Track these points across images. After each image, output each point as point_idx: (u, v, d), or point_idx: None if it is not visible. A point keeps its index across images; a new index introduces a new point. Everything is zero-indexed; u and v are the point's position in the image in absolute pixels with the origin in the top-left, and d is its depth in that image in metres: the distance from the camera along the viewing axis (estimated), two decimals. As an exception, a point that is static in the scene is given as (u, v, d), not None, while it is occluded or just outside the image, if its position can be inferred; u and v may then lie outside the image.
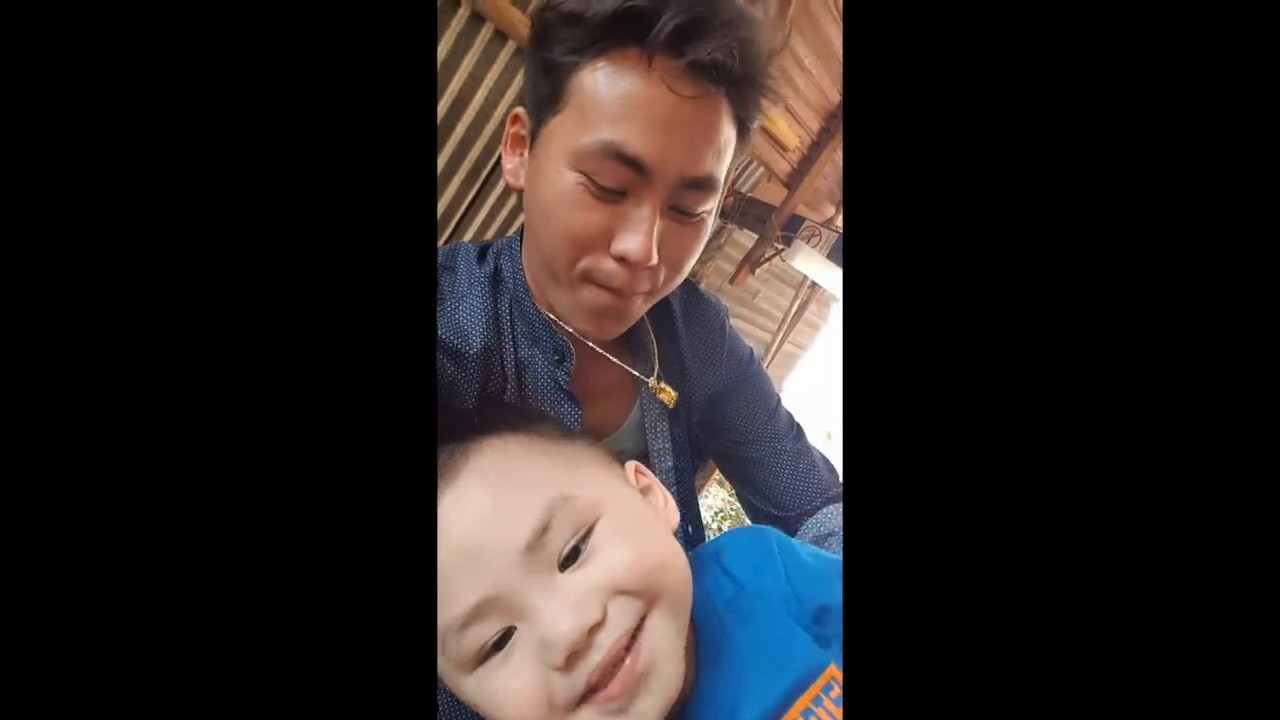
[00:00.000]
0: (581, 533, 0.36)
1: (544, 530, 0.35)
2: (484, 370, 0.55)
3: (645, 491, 0.45)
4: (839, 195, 3.41)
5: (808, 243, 2.62)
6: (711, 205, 0.51)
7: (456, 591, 0.35)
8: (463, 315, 0.56)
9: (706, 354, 0.69)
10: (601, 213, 0.47)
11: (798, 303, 3.53)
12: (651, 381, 0.63)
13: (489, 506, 0.36)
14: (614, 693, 0.33)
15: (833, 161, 3.03)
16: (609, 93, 0.45)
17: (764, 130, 2.64)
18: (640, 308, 0.54)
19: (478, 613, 0.35)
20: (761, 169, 2.93)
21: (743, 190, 2.93)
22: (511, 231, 0.74)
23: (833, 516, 0.70)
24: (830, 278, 2.65)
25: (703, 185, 0.49)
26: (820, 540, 0.68)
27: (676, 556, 0.40)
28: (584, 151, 0.46)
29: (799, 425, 0.75)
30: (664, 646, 0.35)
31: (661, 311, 0.67)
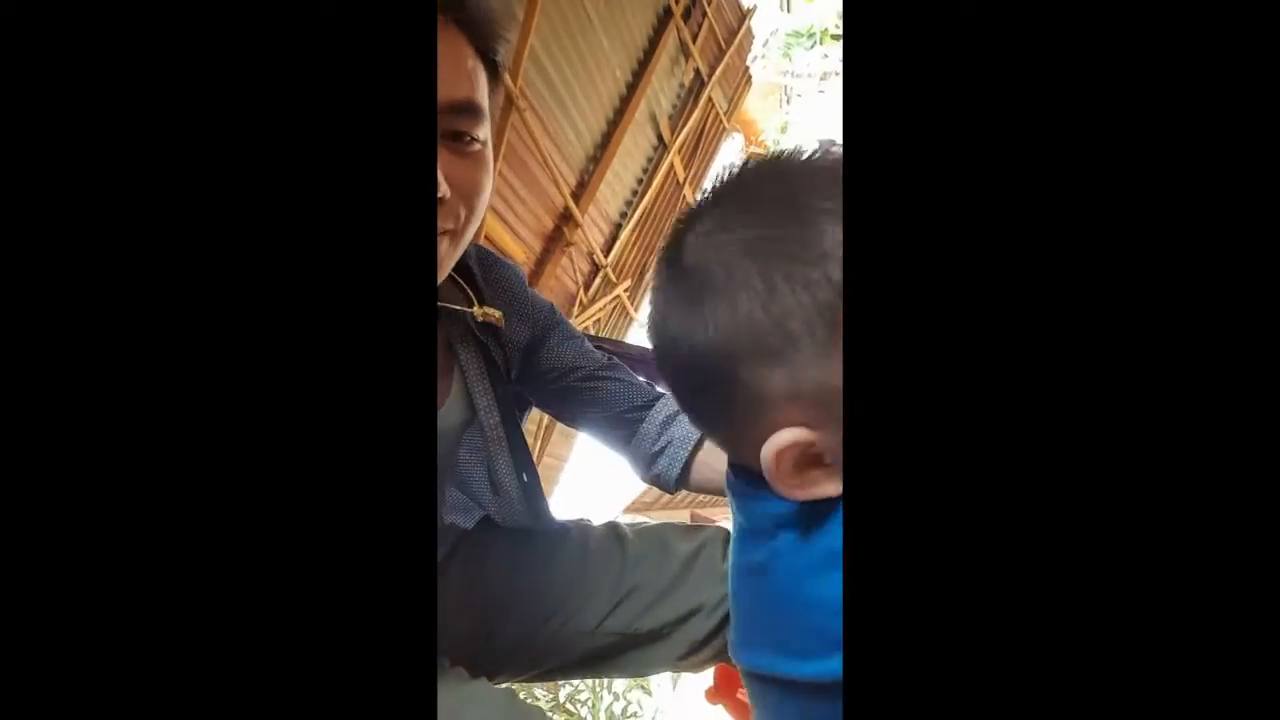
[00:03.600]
0: None
1: None
2: None
3: None
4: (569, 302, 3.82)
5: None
6: (483, 134, 0.56)
7: None
8: None
9: (512, 306, 0.75)
10: None
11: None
12: (475, 309, 0.67)
13: None
14: None
15: (555, 275, 3.45)
16: None
17: (492, 244, 2.93)
18: (447, 252, 0.56)
19: None
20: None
21: (481, 302, 3.14)
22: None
23: (670, 401, 0.77)
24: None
25: (464, 109, 0.53)
26: (672, 418, 0.77)
27: None
28: None
29: (614, 357, 0.83)
30: None
31: (465, 274, 0.71)
